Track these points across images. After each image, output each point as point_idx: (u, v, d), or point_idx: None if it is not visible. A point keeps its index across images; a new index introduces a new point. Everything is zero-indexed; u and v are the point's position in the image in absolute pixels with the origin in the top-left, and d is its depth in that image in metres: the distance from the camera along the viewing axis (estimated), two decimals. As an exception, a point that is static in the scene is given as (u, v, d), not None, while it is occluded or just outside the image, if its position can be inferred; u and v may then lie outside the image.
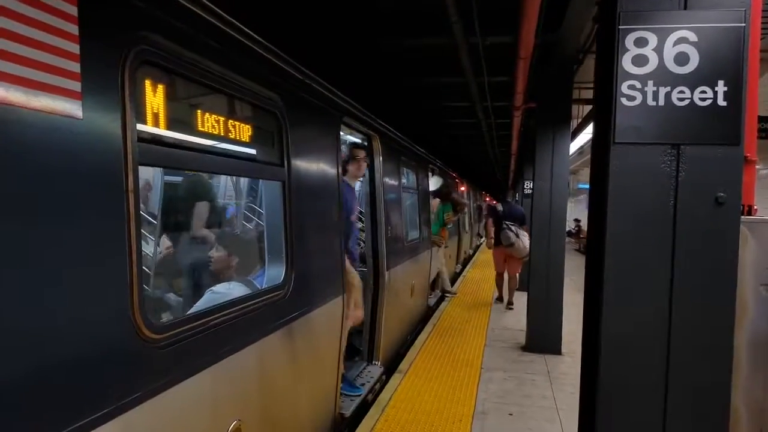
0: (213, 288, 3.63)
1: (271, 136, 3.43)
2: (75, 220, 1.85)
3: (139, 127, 2.17)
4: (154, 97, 2.30)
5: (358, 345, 6.39)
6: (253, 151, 3.22)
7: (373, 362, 6.25)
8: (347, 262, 4.85)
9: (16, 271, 1.64)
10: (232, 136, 2.91)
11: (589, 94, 9.03)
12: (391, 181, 6.84)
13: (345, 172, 5.08)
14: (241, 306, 2.92)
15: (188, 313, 2.54)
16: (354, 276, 5.07)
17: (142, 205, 7.11)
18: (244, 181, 9.51)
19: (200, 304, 3.58)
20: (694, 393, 2.16)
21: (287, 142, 3.53)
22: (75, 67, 1.85)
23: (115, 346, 2.03)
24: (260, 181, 4.13)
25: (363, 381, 5.69)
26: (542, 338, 7.52)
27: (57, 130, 1.78)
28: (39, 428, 1.71)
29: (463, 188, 18.70)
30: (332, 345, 4.52)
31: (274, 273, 3.56)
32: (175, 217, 7.44)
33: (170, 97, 2.42)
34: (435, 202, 10.72)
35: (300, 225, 3.76)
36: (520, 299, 9.88)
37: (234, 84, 2.91)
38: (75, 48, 1.85)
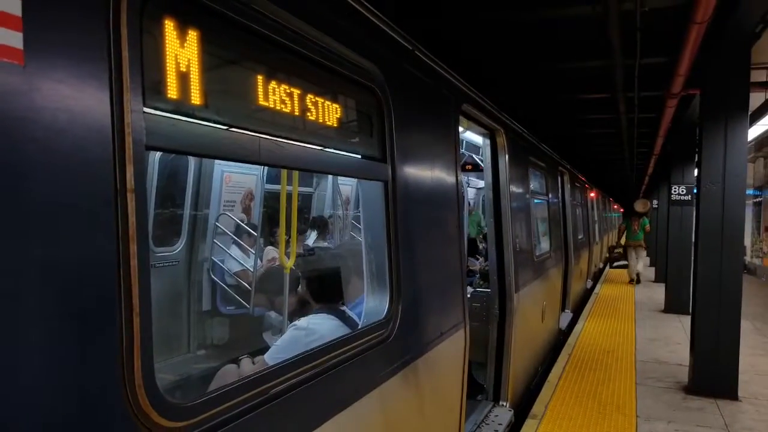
0: (297, 323, 2.80)
1: (368, 121, 2.54)
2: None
3: (149, 89, 1.36)
4: (182, 48, 1.47)
5: (481, 380, 5.36)
6: (343, 140, 2.35)
7: (501, 403, 5.18)
8: None
9: None
10: (312, 117, 2.04)
11: (763, 77, 7.40)
12: (518, 185, 5.76)
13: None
14: (319, 362, 2.03)
15: (236, 380, 1.68)
16: None
17: (243, 215, 6.67)
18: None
19: (282, 344, 2.77)
20: None
21: (391, 130, 2.62)
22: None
23: None
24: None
25: (490, 429, 4.65)
26: (712, 378, 6.07)
27: None
28: None
29: (592, 195, 17.03)
30: (451, 393, 3.55)
31: (375, 305, 2.66)
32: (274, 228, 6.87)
33: (210, 51, 1.59)
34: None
35: (409, 239, 2.84)
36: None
37: (312, 42, 2.05)
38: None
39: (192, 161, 6.27)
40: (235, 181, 6.88)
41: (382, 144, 2.61)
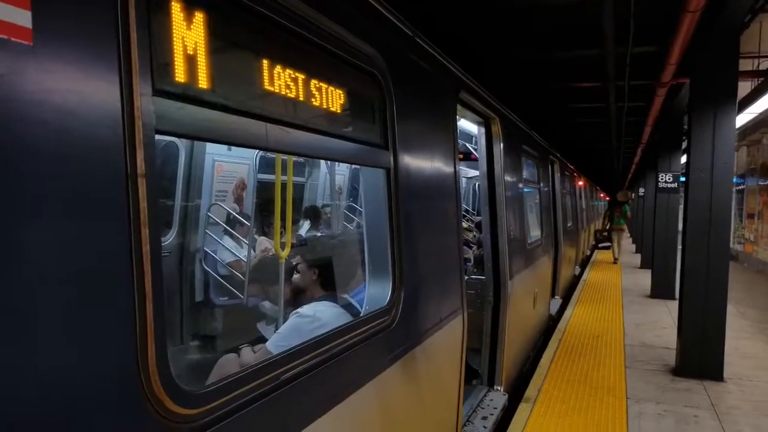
0: (299, 311, 2.82)
1: (370, 107, 2.56)
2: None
3: (158, 72, 1.35)
4: (189, 30, 1.47)
5: (476, 366, 5.42)
6: (346, 126, 2.36)
7: (495, 387, 5.26)
8: None
9: None
10: (316, 103, 2.05)
11: (750, 66, 7.49)
12: (512, 174, 5.81)
13: None
14: (326, 348, 2.05)
15: (247, 367, 1.70)
16: None
17: (235, 205, 6.64)
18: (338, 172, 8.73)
19: (284, 332, 2.79)
20: None
21: (392, 116, 2.63)
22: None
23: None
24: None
25: (485, 413, 4.72)
26: (698, 360, 6.20)
27: None
28: None
29: (581, 183, 17.16)
30: (450, 378, 3.60)
31: (377, 292, 2.69)
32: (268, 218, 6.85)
33: (216, 34, 1.58)
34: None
35: (410, 226, 2.86)
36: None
37: (316, 26, 2.05)
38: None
39: (182, 150, 6.22)
40: (226, 170, 6.84)
41: (383, 131, 2.63)
